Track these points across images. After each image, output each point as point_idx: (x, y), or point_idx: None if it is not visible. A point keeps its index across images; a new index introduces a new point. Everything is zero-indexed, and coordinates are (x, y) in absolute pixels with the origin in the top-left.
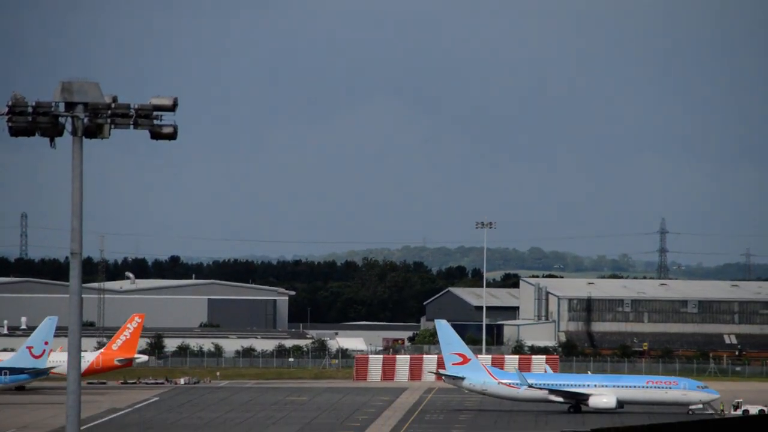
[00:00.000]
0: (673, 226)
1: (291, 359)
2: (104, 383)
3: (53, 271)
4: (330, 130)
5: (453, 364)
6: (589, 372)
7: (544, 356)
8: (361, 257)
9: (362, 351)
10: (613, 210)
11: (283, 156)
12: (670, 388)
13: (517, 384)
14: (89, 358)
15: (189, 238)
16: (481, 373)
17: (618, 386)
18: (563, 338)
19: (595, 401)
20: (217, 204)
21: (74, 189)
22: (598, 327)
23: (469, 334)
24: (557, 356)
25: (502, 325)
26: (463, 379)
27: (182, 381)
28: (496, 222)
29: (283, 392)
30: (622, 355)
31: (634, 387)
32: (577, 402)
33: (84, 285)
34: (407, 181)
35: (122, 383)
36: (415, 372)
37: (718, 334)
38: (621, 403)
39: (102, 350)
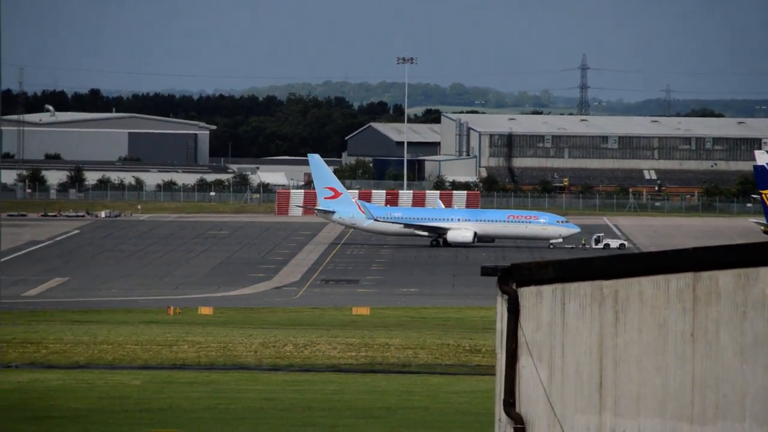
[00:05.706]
0: (594, 62)
1: (212, 193)
2: (24, 215)
3: None
4: None
5: (325, 198)
6: (455, 207)
7: (465, 192)
8: (282, 92)
9: (284, 185)
10: (535, 46)
11: None
12: (530, 222)
13: (382, 218)
14: None
15: (108, 71)
16: (350, 207)
17: (479, 221)
18: (484, 174)
19: (452, 235)
20: (137, 38)
21: None
22: (519, 163)
23: (390, 170)
24: (478, 192)
25: (424, 160)
26: (333, 213)
27: (103, 214)
28: (417, 57)
29: (204, 226)
30: (542, 190)
31: (495, 221)
32: (439, 236)
33: (3, 117)
34: (329, 15)
35: (42, 215)
36: None
37: (638, 169)
38: (490, 238)
39: None
